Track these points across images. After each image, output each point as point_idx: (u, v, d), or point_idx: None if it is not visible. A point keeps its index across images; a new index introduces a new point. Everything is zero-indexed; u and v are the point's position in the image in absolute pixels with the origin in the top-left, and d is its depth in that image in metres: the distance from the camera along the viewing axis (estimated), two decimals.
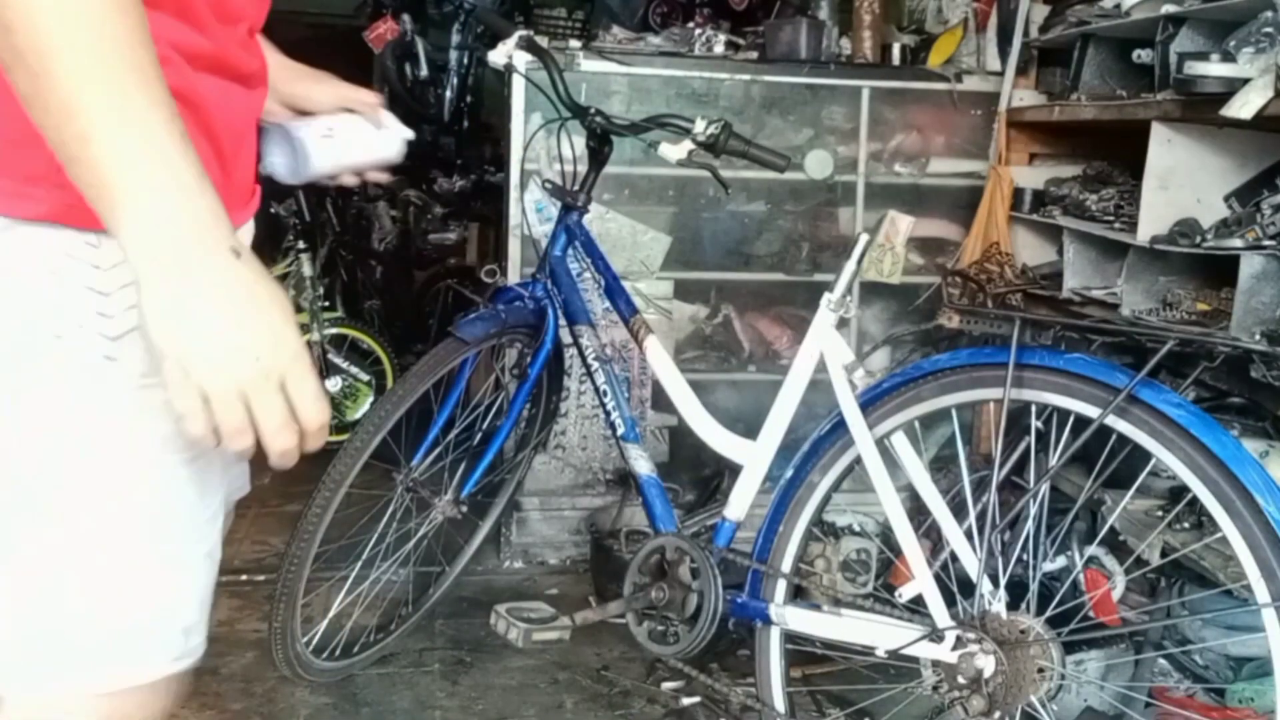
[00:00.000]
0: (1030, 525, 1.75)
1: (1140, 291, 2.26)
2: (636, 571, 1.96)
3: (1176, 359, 1.69)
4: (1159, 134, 2.22)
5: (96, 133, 0.74)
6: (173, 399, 0.80)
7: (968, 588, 1.70)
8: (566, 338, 2.23)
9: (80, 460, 0.91)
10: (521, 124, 2.75)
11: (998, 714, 1.64)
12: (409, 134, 1.45)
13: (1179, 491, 2.00)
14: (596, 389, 2.11)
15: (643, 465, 2.05)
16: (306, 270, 3.73)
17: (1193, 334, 1.87)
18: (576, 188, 2.23)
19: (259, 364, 0.80)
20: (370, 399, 3.76)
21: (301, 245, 3.74)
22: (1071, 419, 1.66)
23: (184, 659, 1.00)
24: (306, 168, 1.32)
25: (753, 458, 1.89)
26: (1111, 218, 2.45)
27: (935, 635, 1.68)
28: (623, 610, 1.96)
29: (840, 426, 1.82)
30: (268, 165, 1.30)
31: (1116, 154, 2.61)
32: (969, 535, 1.71)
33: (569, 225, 2.23)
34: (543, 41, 2.34)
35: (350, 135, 1.37)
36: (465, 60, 4.94)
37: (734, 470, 1.93)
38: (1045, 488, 1.75)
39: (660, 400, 2.85)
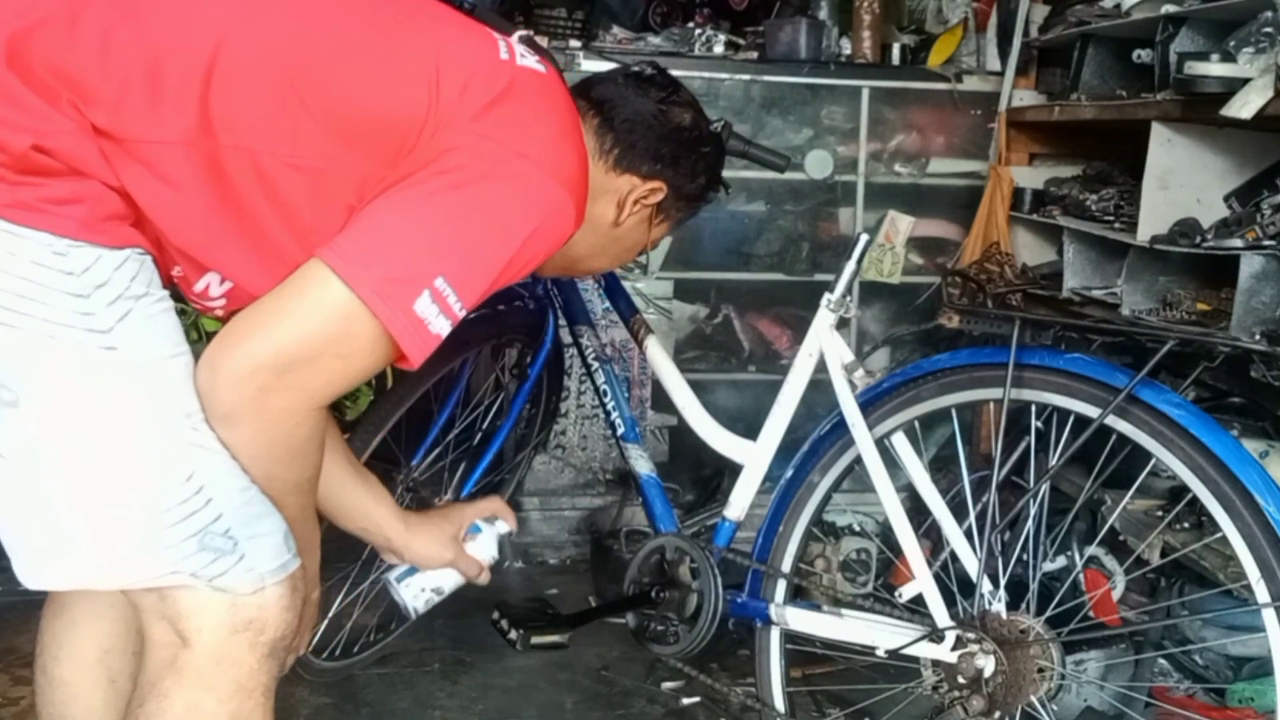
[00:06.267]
0: (1030, 525, 1.75)
1: (1140, 291, 2.26)
2: (636, 571, 1.96)
3: (1176, 359, 1.69)
4: (1159, 134, 2.22)
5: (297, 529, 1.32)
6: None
7: (968, 588, 1.70)
8: (566, 338, 2.23)
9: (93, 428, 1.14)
10: None
11: (998, 714, 1.64)
12: (507, 528, 1.82)
13: (1179, 491, 2.00)
14: (596, 389, 2.11)
15: (643, 465, 2.05)
16: None
17: (1193, 334, 1.86)
18: None
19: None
20: (370, 399, 3.75)
21: None
22: (1071, 419, 1.66)
23: (219, 559, 1.18)
24: (409, 614, 1.82)
25: (753, 458, 1.89)
26: (1111, 218, 2.45)
27: (935, 635, 1.68)
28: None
29: (840, 426, 1.82)
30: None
31: (1116, 154, 2.61)
32: (969, 535, 1.71)
33: None
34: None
35: (450, 581, 1.80)
36: None
37: (734, 470, 1.92)
38: (1045, 488, 1.75)
39: (660, 400, 2.85)
